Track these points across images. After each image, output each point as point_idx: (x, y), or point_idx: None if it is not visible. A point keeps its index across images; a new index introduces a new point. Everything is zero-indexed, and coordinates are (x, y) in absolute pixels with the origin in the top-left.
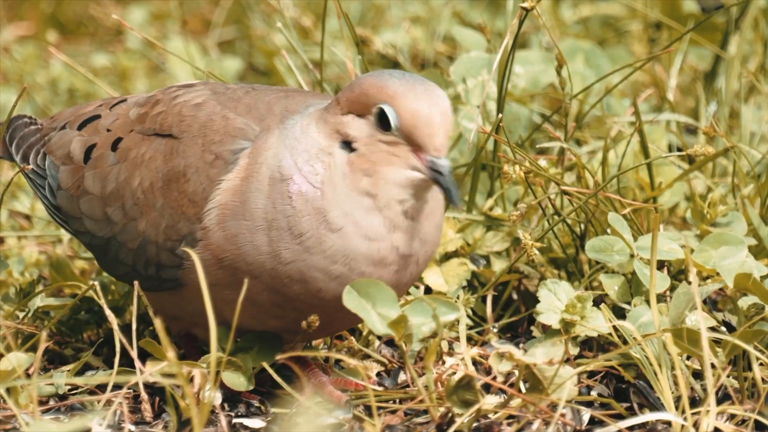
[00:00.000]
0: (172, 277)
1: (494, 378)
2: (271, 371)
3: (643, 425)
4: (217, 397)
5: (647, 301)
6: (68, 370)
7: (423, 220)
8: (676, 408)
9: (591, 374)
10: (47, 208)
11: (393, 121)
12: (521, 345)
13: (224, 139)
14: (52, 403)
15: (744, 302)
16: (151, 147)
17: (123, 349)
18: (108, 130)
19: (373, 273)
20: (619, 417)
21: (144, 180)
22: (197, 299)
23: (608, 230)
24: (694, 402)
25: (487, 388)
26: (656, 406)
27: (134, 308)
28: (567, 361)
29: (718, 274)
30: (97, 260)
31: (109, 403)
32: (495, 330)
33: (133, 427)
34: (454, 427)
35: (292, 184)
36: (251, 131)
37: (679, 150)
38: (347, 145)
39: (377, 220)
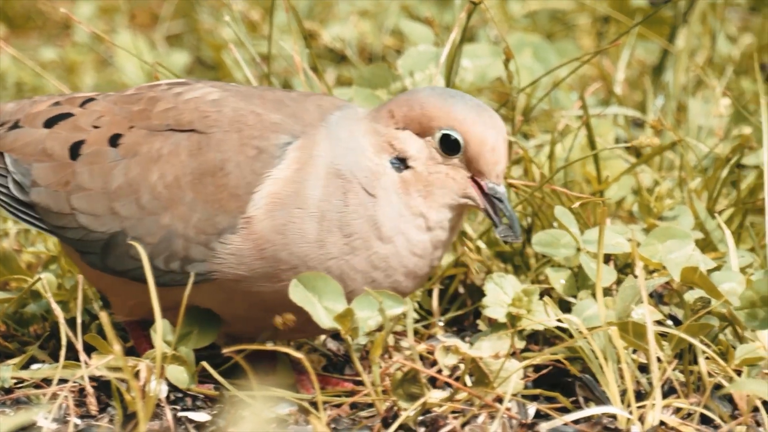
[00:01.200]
0: (200, 272)
1: (440, 371)
2: (211, 370)
3: (588, 419)
4: (163, 390)
5: (593, 295)
6: (14, 364)
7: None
8: (622, 401)
9: (537, 368)
10: (6, 205)
11: (461, 147)
12: (467, 338)
13: (264, 134)
14: None
15: (690, 296)
16: (169, 142)
17: (69, 343)
18: (95, 127)
19: (404, 283)
20: (565, 410)
21: (166, 174)
22: (223, 293)
23: (555, 224)
24: (640, 395)
25: (433, 382)
26: (602, 399)
27: (79, 302)
28: (513, 354)
29: (664, 267)
30: (87, 256)
31: (54, 396)
32: (441, 324)
33: (78, 421)
34: (399, 420)
35: (348, 183)
36: (289, 126)
37: (626, 143)
38: (401, 161)
39: (426, 239)
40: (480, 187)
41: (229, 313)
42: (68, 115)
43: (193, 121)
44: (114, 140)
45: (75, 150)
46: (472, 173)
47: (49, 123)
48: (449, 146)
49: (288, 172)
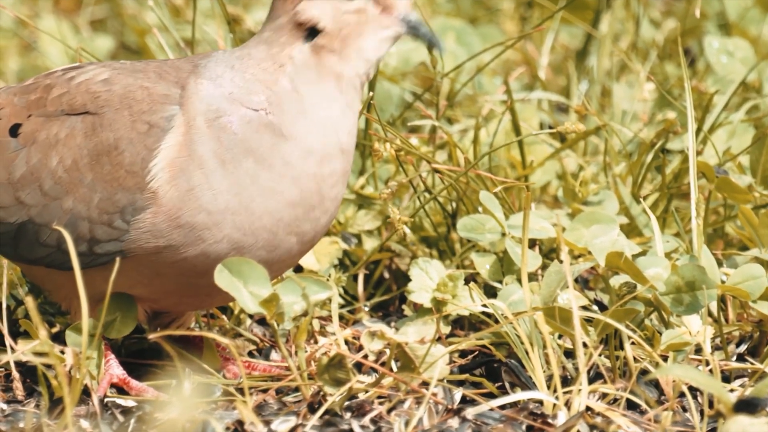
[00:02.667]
0: (110, 251)
1: (366, 357)
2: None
3: (514, 404)
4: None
5: (519, 280)
6: None
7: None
8: (548, 387)
9: (463, 353)
10: None
11: None
12: (393, 324)
13: (153, 107)
14: None
15: (616, 281)
16: (65, 126)
17: None
18: None
19: (339, 162)
20: (491, 396)
21: (64, 158)
22: (148, 269)
23: (480, 209)
24: (566, 381)
25: (359, 367)
26: (528, 385)
27: (4, 287)
28: (438, 339)
29: (589, 252)
30: (2, 248)
31: None
32: (366, 309)
33: (4, 406)
34: (325, 405)
35: (226, 117)
36: (174, 94)
37: (550, 128)
38: (311, 34)
39: (337, 107)
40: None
41: (159, 288)
42: None
43: (86, 103)
44: (14, 130)
45: None
46: (381, 9)
47: None
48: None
49: (178, 138)
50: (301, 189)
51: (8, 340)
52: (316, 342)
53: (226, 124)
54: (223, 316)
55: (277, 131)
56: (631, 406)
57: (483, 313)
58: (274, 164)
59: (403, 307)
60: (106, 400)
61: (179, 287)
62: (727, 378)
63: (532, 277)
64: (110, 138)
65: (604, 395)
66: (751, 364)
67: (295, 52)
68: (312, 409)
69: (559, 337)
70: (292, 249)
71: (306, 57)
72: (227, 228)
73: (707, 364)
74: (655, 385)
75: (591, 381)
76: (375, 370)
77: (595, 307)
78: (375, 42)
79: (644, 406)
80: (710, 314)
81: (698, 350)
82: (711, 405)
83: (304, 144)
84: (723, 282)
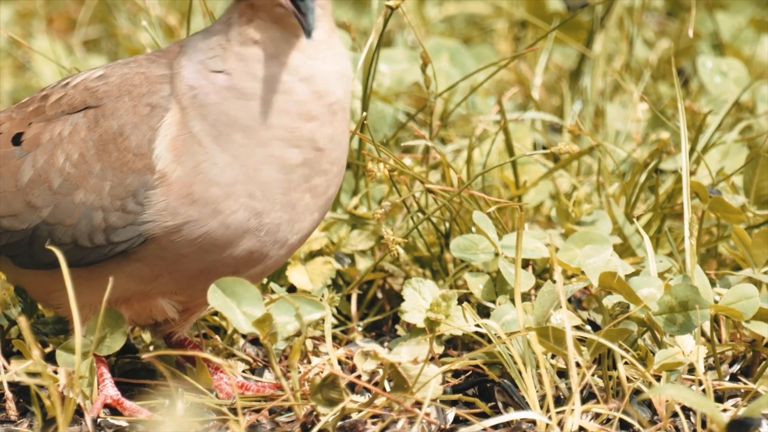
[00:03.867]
0: (128, 237)
1: (359, 377)
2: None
3: (507, 424)
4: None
5: (512, 300)
6: None
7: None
8: (541, 407)
9: (456, 373)
10: None
11: None
12: (386, 344)
13: (152, 89)
14: None
15: (609, 301)
16: (68, 124)
17: None
18: None
19: (316, 111)
20: (484, 416)
21: (71, 154)
22: (169, 253)
23: (473, 229)
24: (559, 401)
25: (352, 387)
26: (521, 404)
27: None
28: (432, 359)
29: (582, 272)
30: (17, 259)
31: None
32: (360, 329)
33: None
34: (318, 425)
35: (200, 89)
36: (170, 75)
37: (544, 148)
38: None
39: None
40: None
41: (183, 275)
42: None
43: (86, 99)
44: (17, 139)
45: None
46: None
47: None
48: None
49: (176, 117)
50: (297, 147)
51: (1, 360)
52: (309, 362)
53: (202, 98)
54: (216, 336)
55: (240, 94)
56: (624, 425)
57: (476, 333)
58: (259, 131)
59: (397, 327)
60: (99, 420)
61: (203, 269)
62: (720, 398)
63: (526, 297)
64: (114, 126)
65: (597, 415)
66: (744, 384)
67: (234, 11)
68: (305, 429)
69: (552, 356)
70: (310, 205)
71: (237, 17)
72: (242, 197)
73: (700, 384)
74: (648, 405)
75: (584, 401)
76: (368, 390)
77: (588, 327)
78: (272, 16)
79: (637, 426)
80: (703, 334)
81: (691, 370)
82: (704, 425)
83: (267, 104)
84: (716, 302)
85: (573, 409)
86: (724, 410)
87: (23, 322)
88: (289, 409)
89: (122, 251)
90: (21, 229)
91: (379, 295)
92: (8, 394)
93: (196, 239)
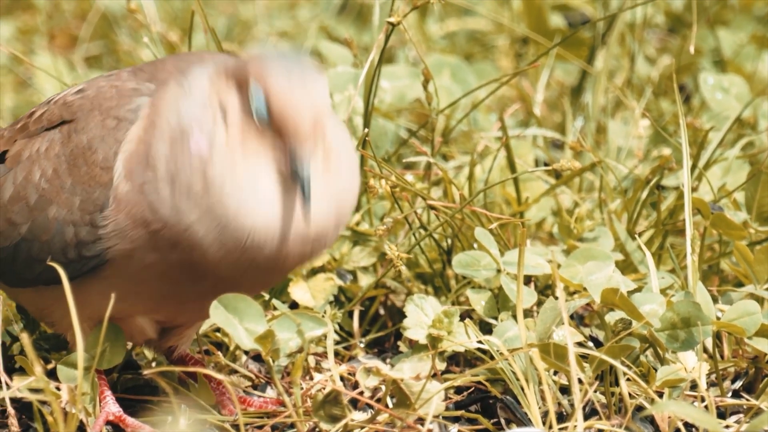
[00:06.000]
0: (96, 253)
1: (361, 393)
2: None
3: None
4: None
5: (514, 316)
6: None
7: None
8: (543, 423)
9: (458, 389)
10: None
11: (259, 104)
12: (388, 360)
13: (121, 102)
14: None
15: (611, 317)
16: (45, 140)
17: None
18: None
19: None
20: None
21: (46, 170)
22: (135, 272)
23: (475, 245)
24: (561, 417)
25: (354, 404)
26: (523, 421)
27: (0, 323)
28: (434, 376)
29: (585, 289)
30: (4, 277)
31: None
32: (362, 345)
33: None
34: None
35: (192, 140)
36: (145, 88)
37: (546, 165)
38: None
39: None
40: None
41: (147, 296)
42: None
43: (62, 114)
44: (1, 157)
45: None
46: (282, 136)
47: None
48: (258, 107)
49: (139, 132)
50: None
51: (3, 376)
52: (311, 378)
53: (186, 147)
54: (219, 353)
55: (207, 188)
56: None
57: (478, 349)
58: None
59: (399, 343)
60: None
61: (166, 294)
62: (722, 414)
63: (528, 313)
64: (84, 140)
65: (599, 431)
66: (747, 400)
67: (218, 120)
68: None
69: (555, 373)
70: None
71: (222, 137)
72: (169, 238)
73: (703, 400)
74: (651, 421)
75: (586, 417)
76: (371, 407)
77: (590, 344)
78: (267, 174)
79: None
80: (705, 350)
81: (694, 386)
82: None
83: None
84: (718, 318)
85: (575, 426)
86: (727, 426)
87: (25, 338)
88: (292, 426)
89: (93, 267)
90: (4, 246)
91: (381, 311)
92: (10, 410)
93: (149, 265)
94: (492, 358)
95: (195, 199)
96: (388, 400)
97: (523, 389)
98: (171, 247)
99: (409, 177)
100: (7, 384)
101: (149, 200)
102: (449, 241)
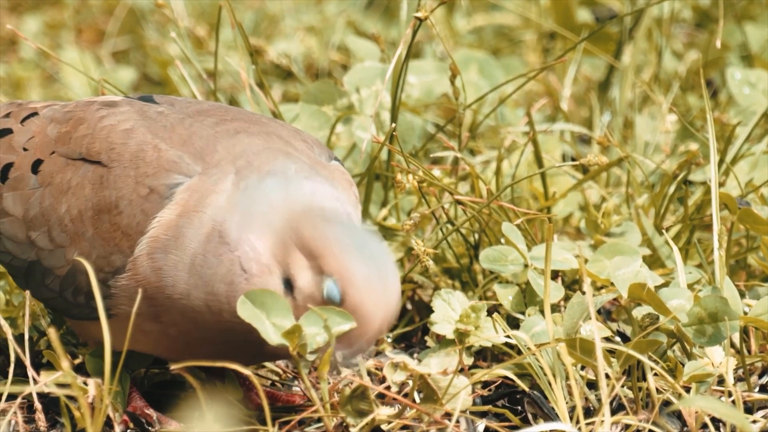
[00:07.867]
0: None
1: (388, 388)
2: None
3: None
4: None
5: (541, 311)
6: None
7: None
8: (571, 418)
9: (485, 384)
10: None
11: (331, 293)
12: (415, 355)
13: (158, 173)
14: None
15: (638, 312)
16: (78, 173)
17: (18, 359)
18: (24, 149)
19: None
20: (514, 427)
21: (72, 208)
22: (121, 330)
23: (502, 240)
24: (589, 412)
25: (382, 399)
26: (550, 416)
27: (27, 318)
28: (461, 371)
29: (612, 284)
30: (17, 280)
31: (3, 413)
32: (389, 340)
33: None
34: None
35: (229, 252)
36: (185, 165)
37: (573, 160)
38: (288, 281)
39: None
40: None
41: (150, 348)
42: (9, 131)
43: (101, 152)
44: (35, 167)
45: (5, 172)
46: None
47: None
48: (331, 298)
49: (171, 217)
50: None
51: (31, 371)
52: (338, 373)
53: (221, 251)
54: None
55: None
56: None
57: (506, 344)
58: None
59: (426, 338)
60: (128, 431)
61: (172, 349)
62: (749, 409)
63: (555, 308)
64: (113, 196)
65: (626, 426)
66: None
67: (276, 271)
68: None
69: (582, 368)
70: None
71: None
72: (174, 317)
73: (730, 395)
74: (678, 416)
75: (614, 412)
76: (398, 401)
77: (617, 339)
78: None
79: None
80: (733, 345)
81: (721, 381)
82: None
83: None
84: (745, 313)
85: (603, 421)
86: (754, 422)
87: (53, 333)
88: (319, 420)
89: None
90: (20, 257)
91: (409, 306)
92: (38, 405)
93: (150, 331)
94: (519, 353)
95: (219, 297)
96: (416, 395)
97: (550, 384)
98: (172, 324)
99: (437, 172)
100: (34, 379)
101: (163, 283)
102: (476, 236)
